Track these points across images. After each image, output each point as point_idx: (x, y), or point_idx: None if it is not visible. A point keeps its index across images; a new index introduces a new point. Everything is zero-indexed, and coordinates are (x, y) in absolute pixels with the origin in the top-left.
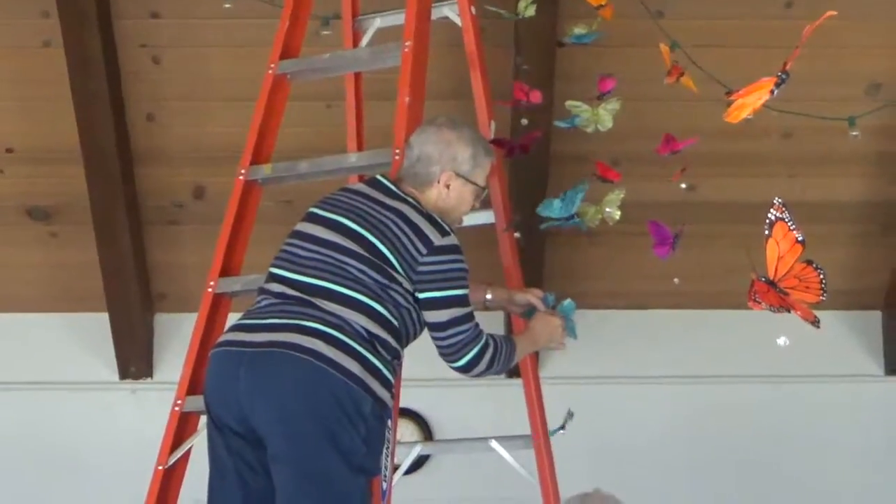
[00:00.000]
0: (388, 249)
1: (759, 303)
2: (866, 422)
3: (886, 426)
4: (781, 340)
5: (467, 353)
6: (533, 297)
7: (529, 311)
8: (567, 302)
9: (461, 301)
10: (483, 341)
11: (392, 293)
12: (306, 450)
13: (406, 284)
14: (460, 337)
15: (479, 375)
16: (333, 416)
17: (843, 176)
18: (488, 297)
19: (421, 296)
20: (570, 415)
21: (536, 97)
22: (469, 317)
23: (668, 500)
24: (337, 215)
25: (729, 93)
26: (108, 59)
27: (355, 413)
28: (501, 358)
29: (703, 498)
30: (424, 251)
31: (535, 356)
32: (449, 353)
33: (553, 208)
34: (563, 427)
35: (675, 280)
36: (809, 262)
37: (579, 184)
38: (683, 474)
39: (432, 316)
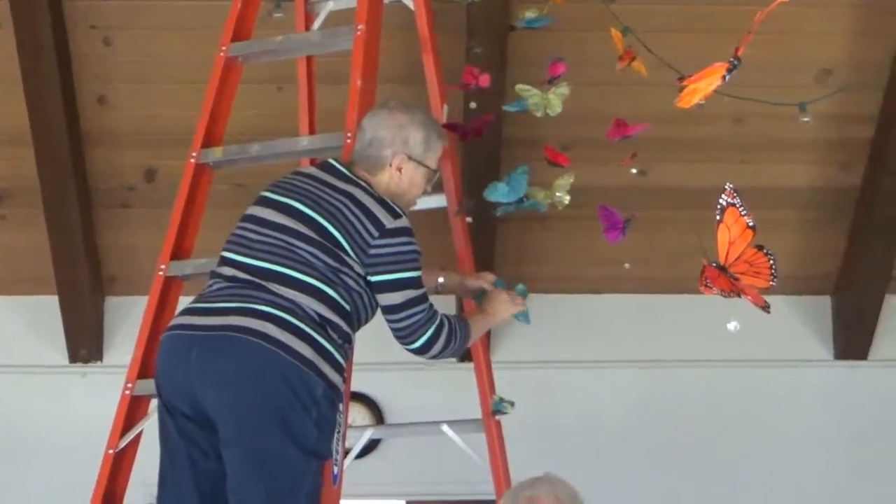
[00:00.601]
0: (340, 233)
1: (711, 288)
2: (816, 406)
3: (835, 410)
4: (732, 325)
5: (423, 334)
6: (485, 281)
7: (481, 296)
8: (519, 287)
9: (414, 283)
10: (438, 322)
11: (343, 277)
12: (257, 433)
13: (357, 268)
14: (415, 318)
15: (435, 357)
16: (285, 400)
17: (794, 162)
18: (440, 280)
19: (373, 279)
20: (508, 403)
21: (485, 81)
22: (423, 298)
23: (619, 483)
24: (289, 199)
25: (681, 78)
26: (59, 41)
27: (307, 397)
28: (457, 338)
29: (654, 482)
30: (376, 234)
31: (487, 341)
32: (404, 336)
33: (499, 192)
34: (496, 412)
35: (626, 265)
36: (760, 248)
37: (519, 167)
38: (634, 458)
39: (386, 299)
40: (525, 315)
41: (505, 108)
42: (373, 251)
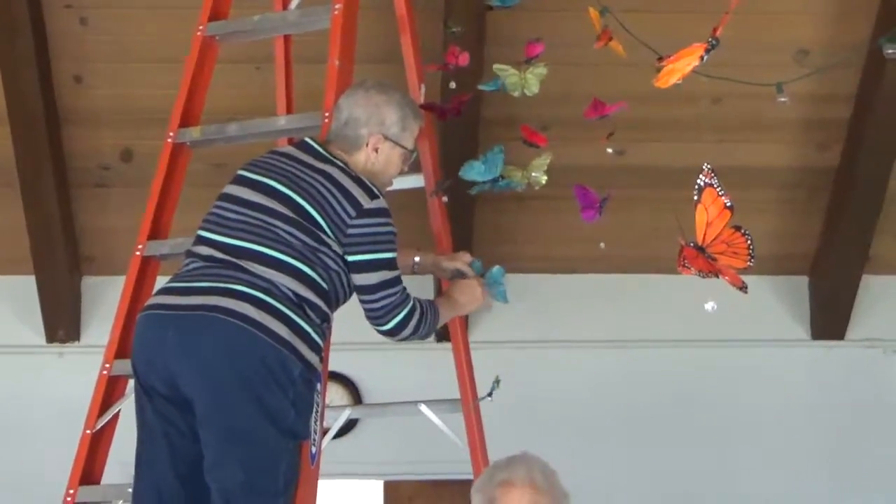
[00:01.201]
0: (317, 212)
1: (689, 268)
2: (793, 386)
3: (812, 390)
4: (709, 305)
5: (394, 316)
6: (461, 263)
7: (457, 275)
8: (496, 269)
9: (389, 264)
10: (410, 305)
11: (321, 256)
12: (234, 413)
13: (335, 247)
14: (388, 300)
15: (404, 339)
16: (262, 380)
17: (772, 142)
18: (416, 260)
19: (350, 258)
20: (496, 382)
21: (465, 60)
22: (397, 280)
23: (595, 463)
24: (266, 178)
25: (659, 58)
26: (35, 20)
27: (284, 377)
28: (427, 322)
29: (631, 461)
30: (353, 214)
31: (464, 321)
32: (376, 317)
33: (475, 171)
34: (490, 394)
35: (601, 244)
36: (737, 228)
37: (496, 146)
38: (610, 438)
39: (361, 279)
40: (502, 293)
41: (480, 87)
42: (350, 231)
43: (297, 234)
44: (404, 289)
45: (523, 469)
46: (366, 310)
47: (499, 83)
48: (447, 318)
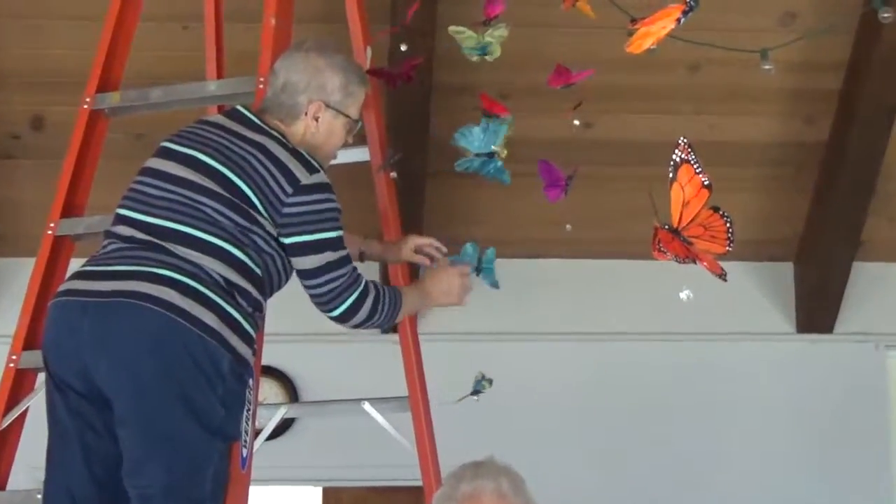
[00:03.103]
0: (250, 188)
1: (665, 252)
2: (776, 383)
3: (797, 387)
4: (684, 294)
5: (344, 300)
6: (435, 253)
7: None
8: (490, 250)
9: (334, 244)
10: (362, 287)
11: (253, 237)
12: (157, 411)
13: (269, 227)
14: (335, 284)
15: (358, 326)
16: (187, 375)
17: (755, 114)
18: (362, 248)
19: (288, 240)
20: (487, 381)
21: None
22: (344, 261)
23: (563, 466)
24: (193, 150)
25: (633, 21)
26: None
27: (212, 371)
28: (384, 308)
29: (602, 463)
30: (290, 191)
31: None
32: (323, 302)
33: (472, 139)
34: (475, 393)
35: (568, 226)
36: (716, 210)
37: (507, 117)
38: (579, 439)
39: (302, 262)
40: (491, 274)
41: (464, 51)
42: (286, 210)
43: (228, 212)
44: (354, 269)
45: (489, 479)
46: (311, 295)
47: (485, 49)
48: (413, 310)
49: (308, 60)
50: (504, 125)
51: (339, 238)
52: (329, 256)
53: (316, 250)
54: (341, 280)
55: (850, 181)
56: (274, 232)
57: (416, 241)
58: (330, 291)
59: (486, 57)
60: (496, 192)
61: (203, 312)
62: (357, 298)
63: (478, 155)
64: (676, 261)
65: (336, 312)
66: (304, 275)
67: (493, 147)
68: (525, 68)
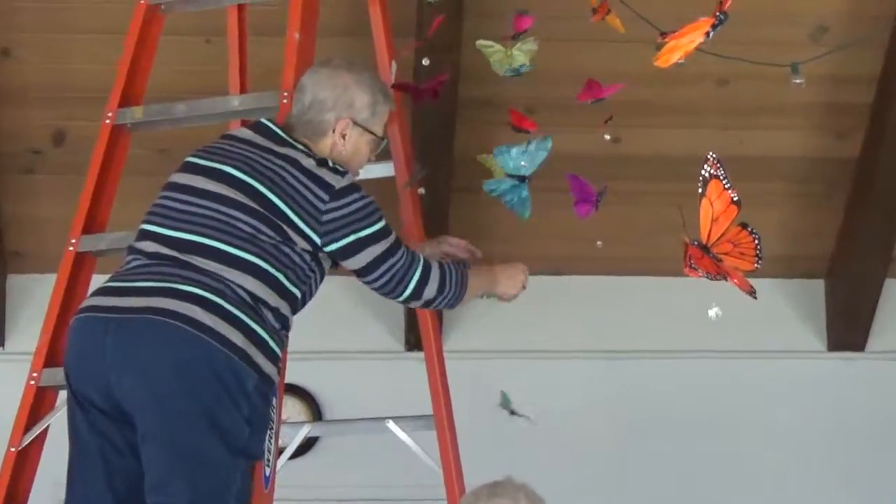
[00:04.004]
0: (284, 202)
1: (696, 269)
2: (806, 403)
3: (828, 407)
4: (713, 312)
5: (409, 283)
6: (456, 248)
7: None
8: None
9: (379, 235)
10: (422, 265)
11: (289, 252)
12: (180, 429)
13: (303, 244)
14: (394, 270)
15: (431, 303)
16: (212, 393)
17: (785, 129)
18: None
19: (336, 245)
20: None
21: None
22: (395, 247)
23: (586, 487)
24: (220, 164)
25: (662, 34)
26: None
27: (237, 389)
28: (451, 282)
29: (626, 486)
30: (326, 198)
31: (438, 326)
32: (389, 290)
33: (509, 159)
34: (514, 412)
35: (599, 243)
36: (744, 226)
37: (546, 137)
38: (603, 461)
39: (356, 262)
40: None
41: (501, 71)
42: (327, 217)
43: (262, 227)
44: (407, 250)
45: (508, 498)
46: (373, 289)
47: (521, 69)
48: (480, 289)
49: (336, 77)
50: (544, 150)
51: (386, 227)
52: (381, 247)
53: (366, 245)
54: (399, 264)
55: (882, 197)
56: (308, 246)
57: (450, 241)
58: (391, 279)
59: (522, 70)
60: None
61: (229, 330)
62: (420, 276)
63: (510, 176)
64: (708, 278)
65: (405, 295)
66: (361, 272)
67: (528, 171)
68: (552, 83)
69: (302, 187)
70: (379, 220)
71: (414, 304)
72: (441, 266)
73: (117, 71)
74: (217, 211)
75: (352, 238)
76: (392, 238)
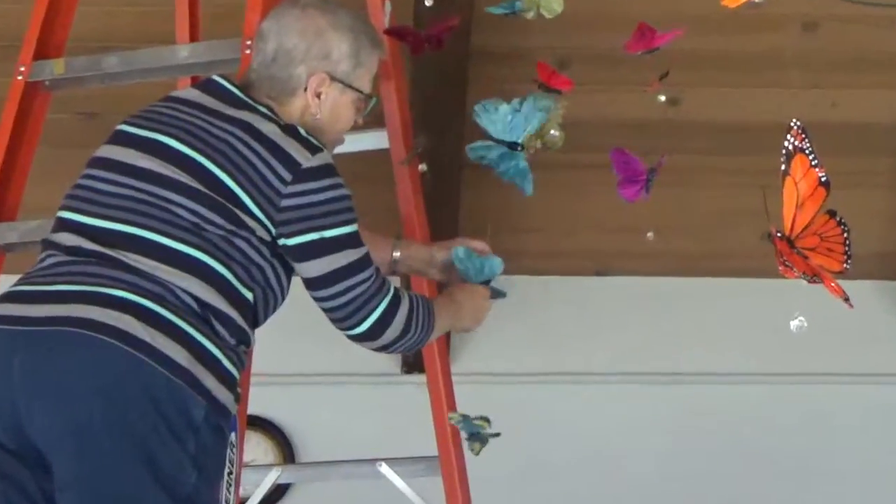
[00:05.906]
0: (235, 181)
1: (791, 268)
2: None
3: None
4: (795, 324)
5: (369, 313)
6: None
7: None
8: (496, 261)
9: (350, 241)
10: (391, 295)
11: (240, 244)
12: (109, 474)
13: (260, 231)
14: (356, 292)
15: (386, 348)
16: (149, 426)
17: (887, 87)
18: (396, 255)
19: (290, 241)
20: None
21: None
22: (364, 263)
23: None
24: (159, 134)
25: None
26: None
27: (180, 421)
28: (419, 324)
29: None
30: (288, 178)
31: (446, 344)
32: (343, 317)
33: (495, 118)
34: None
35: (649, 234)
36: (832, 214)
37: (545, 98)
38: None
39: (310, 269)
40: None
41: (488, 10)
42: (285, 202)
43: (207, 214)
44: (378, 273)
45: None
46: (325, 311)
47: (516, 5)
48: (445, 330)
49: (306, 20)
50: (543, 110)
51: (356, 233)
52: (345, 258)
53: (327, 251)
54: (364, 286)
55: None
56: (267, 237)
57: (474, 245)
58: (350, 302)
59: (544, 13)
60: (551, 190)
61: (170, 346)
62: (386, 309)
63: (499, 142)
64: (805, 279)
65: (360, 329)
66: (314, 284)
67: (519, 137)
68: (592, 29)
69: (259, 161)
70: (350, 222)
71: (364, 345)
72: (412, 304)
73: (32, 14)
74: (152, 194)
75: (311, 237)
76: (362, 252)
